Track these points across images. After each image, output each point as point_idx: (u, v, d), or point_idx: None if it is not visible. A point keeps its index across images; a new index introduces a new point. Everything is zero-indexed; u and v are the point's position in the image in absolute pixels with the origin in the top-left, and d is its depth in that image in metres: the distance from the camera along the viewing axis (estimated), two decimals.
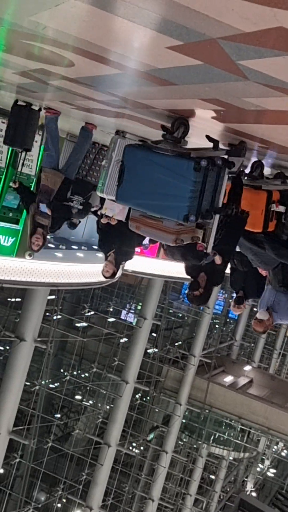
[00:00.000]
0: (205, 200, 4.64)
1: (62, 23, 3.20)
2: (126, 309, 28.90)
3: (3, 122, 9.20)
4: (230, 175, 5.49)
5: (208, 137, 5.07)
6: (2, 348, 23.18)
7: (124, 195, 4.83)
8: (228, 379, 29.87)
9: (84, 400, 28.29)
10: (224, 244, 5.19)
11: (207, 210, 4.68)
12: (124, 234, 6.69)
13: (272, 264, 5.97)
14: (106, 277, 6.98)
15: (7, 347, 19.42)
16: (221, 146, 5.06)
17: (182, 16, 2.45)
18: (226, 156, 4.93)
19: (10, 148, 9.50)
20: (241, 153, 5.29)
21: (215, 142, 5.01)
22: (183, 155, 4.56)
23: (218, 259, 5.28)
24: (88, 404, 28.40)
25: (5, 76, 5.96)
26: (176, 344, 30.16)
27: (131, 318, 27.57)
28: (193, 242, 4.93)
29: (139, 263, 15.86)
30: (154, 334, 27.12)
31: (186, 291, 5.86)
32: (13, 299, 22.30)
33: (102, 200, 7.22)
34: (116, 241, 6.85)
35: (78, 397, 28.51)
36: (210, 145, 4.95)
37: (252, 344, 38.90)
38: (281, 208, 5.46)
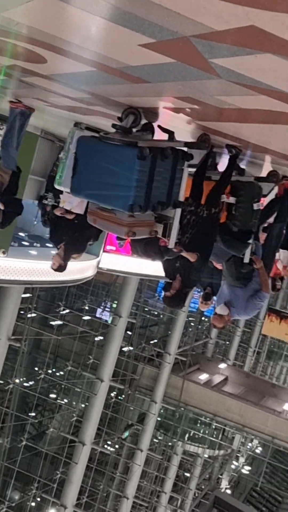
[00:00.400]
0: (156, 192, 4.56)
1: (35, 19, 3.18)
2: (101, 307, 28.80)
3: None
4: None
5: (160, 127, 5.08)
6: None
7: (76, 186, 4.82)
8: (203, 377, 29.97)
9: (59, 398, 28.17)
10: (197, 243, 5.11)
11: (159, 202, 4.61)
12: (77, 227, 6.64)
13: (224, 257, 5.91)
14: (54, 270, 6.73)
15: None
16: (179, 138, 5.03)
17: (155, 14, 2.44)
18: (185, 149, 4.86)
19: None
20: (202, 146, 5.19)
21: (169, 133, 4.99)
22: (130, 145, 4.48)
23: (191, 256, 5.15)
24: (63, 402, 28.29)
25: None
26: (152, 342, 30.18)
27: (106, 316, 27.50)
28: (151, 236, 4.89)
29: (115, 261, 15.84)
30: (129, 332, 27.11)
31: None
32: None
33: (57, 193, 7.16)
34: (68, 233, 6.71)
35: (52, 395, 28.39)
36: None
37: (227, 342, 39.09)
38: (232, 199, 5.39)
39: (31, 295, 19.66)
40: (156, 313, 32.35)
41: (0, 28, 3.51)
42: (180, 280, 5.39)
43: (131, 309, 24.00)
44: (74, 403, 28.00)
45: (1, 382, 19.15)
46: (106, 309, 28.20)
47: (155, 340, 30.72)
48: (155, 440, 29.95)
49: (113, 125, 4.81)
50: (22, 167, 7.35)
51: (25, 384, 25.53)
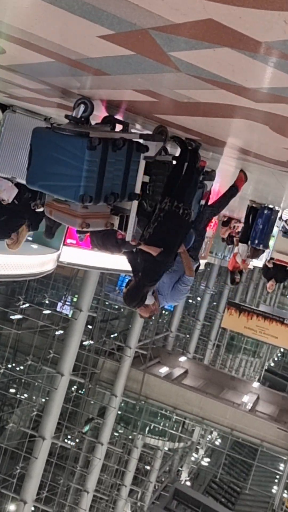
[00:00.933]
0: (108, 183, 4.56)
1: None
2: (62, 301, 28.71)
3: None
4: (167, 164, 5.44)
5: (114, 118, 5.08)
6: None
7: (31, 178, 4.81)
8: (164, 370, 30.16)
9: (19, 393, 28.00)
10: (158, 237, 5.06)
11: (112, 193, 4.61)
12: (6, 211, 6.57)
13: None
14: None
15: None
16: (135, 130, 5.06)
17: (113, 5, 2.43)
18: (141, 140, 4.86)
19: None
20: (158, 138, 5.15)
21: (124, 124, 5.00)
22: (81, 135, 4.48)
23: (154, 251, 5.06)
24: (23, 397, 28.12)
25: None
26: (112, 336, 30.22)
27: (67, 310, 27.39)
28: (107, 229, 4.86)
29: (75, 255, 15.76)
30: (90, 326, 27.08)
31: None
32: None
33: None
34: None
35: (12, 390, 28.20)
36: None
37: (187, 335, 39.39)
38: (145, 178, 5.37)
39: None
40: (116, 307, 32.38)
41: None
42: (139, 277, 5.24)
43: (92, 303, 23.97)
44: (34, 397, 27.86)
45: None
46: (67, 303, 28.11)
47: (116, 334, 30.78)
48: (115, 433, 30.07)
49: (66, 116, 4.79)
50: None
51: None
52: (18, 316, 24.74)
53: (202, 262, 26.88)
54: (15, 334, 24.61)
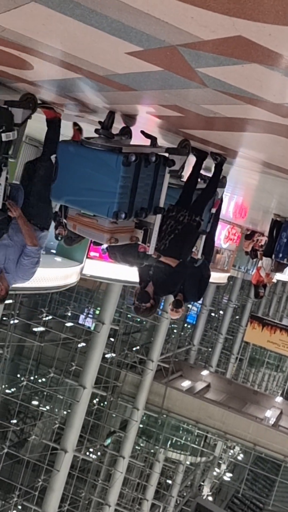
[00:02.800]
0: (139, 198, 4.55)
1: (22, 26, 3.18)
2: (84, 314, 28.77)
3: None
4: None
5: (143, 133, 5.04)
6: None
7: (57, 192, 4.76)
8: (186, 383, 30.01)
9: (41, 405, 28.04)
10: (173, 249, 5.05)
11: (142, 208, 4.59)
12: None
13: None
14: None
15: None
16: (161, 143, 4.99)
17: (143, 22, 2.46)
18: (166, 154, 4.84)
19: None
20: (182, 152, 5.14)
21: (152, 139, 4.96)
22: (114, 150, 4.44)
23: (172, 262, 5.07)
24: (45, 409, 28.16)
25: None
26: (134, 349, 30.17)
27: (89, 323, 27.44)
28: (132, 243, 4.83)
29: (98, 268, 15.82)
30: (112, 339, 27.07)
31: (133, 303, 5.45)
32: None
33: None
34: None
35: (35, 402, 28.25)
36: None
37: (210, 349, 39.20)
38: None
39: (13, 301, 19.58)
40: (139, 319, 32.33)
41: None
42: (152, 288, 5.27)
43: (114, 315, 23.97)
44: (56, 410, 27.87)
45: None
46: (89, 315, 28.17)
47: (138, 347, 30.71)
48: (137, 447, 29.91)
49: (96, 130, 4.76)
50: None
51: (7, 391, 25.38)
52: (41, 329, 24.83)
53: (225, 275, 26.84)
54: (38, 347, 24.69)
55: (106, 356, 26.51)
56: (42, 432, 28.21)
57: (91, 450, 28.26)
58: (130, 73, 3.40)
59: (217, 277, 26.56)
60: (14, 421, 25.66)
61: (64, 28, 2.91)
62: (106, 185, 4.40)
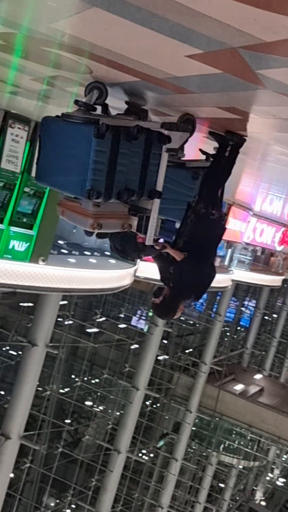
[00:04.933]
0: (121, 177, 4.03)
1: (82, 30, 3.23)
2: (138, 316, 28.87)
3: (19, 128, 9.24)
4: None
5: (132, 105, 4.58)
6: (14, 353, 23.24)
7: (40, 173, 4.37)
8: (239, 387, 29.74)
9: (95, 406, 28.26)
10: (189, 245, 4.57)
11: (127, 189, 4.08)
12: None
13: None
14: None
15: (19, 352, 19.46)
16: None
17: (204, 25, 2.47)
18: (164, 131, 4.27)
19: (26, 153, 9.54)
20: (182, 127, 4.48)
21: (142, 111, 4.46)
22: (89, 122, 3.96)
23: (178, 255, 4.52)
24: (99, 410, 28.36)
25: (22, 82, 6.01)
26: (187, 351, 30.08)
27: (142, 325, 27.53)
28: (123, 231, 4.36)
29: (151, 270, 15.84)
30: (165, 341, 27.06)
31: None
32: (25, 304, 22.35)
33: None
34: None
35: (88, 403, 28.49)
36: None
37: (263, 352, 38.74)
38: None
39: (68, 302, 19.79)
40: (192, 322, 32.25)
41: (46, 38, 3.57)
42: (171, 288, 4.71)
43: None
44: (109, 410, 28.05)
45: (39, 389, 19.26)
46: (142, 317, 28.24)
47: (191, 350, 30.62)
48: (189, 449, 29.80)
49: (75, 101, 4.25)
50: None
51: (61, 391, 25.68)
52: (95, 330, 25.03)
53: (279, 278, 26.52)
54: (92, 348, 24.90)
55: (159, 358, 26.52)
56: (96, 433, 28.42)
57: (144, 451, 28.30)
58: (190, 75, 3.41)
59: (271, 280, 26.28)
60: (68, 421, 25.93)
61: (125, 32, 2.94)
62: (79, 161, 3.96)
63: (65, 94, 5.82)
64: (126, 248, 4.89)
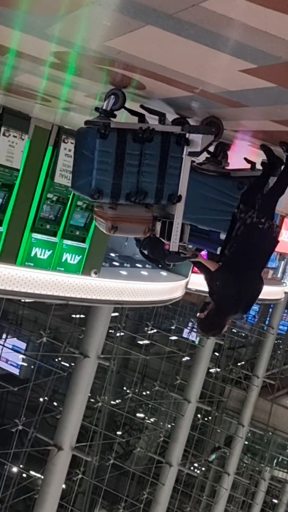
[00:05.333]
0: (131, 178, 4.07)
1: (136, 48, 3.26)
2: (189, 328, 28.74)
3: (72, 143, 9.38)
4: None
5: (143, 107, 4.52)
6: (66, 364, 23.44)
7: (72, 181, 4.48)
8: None
9: (146, 418, 28.22)
10: (241, 259, 4.36)
11: (140, 191, 4.11)
12: None
13: None
14: None
15: (71, 364, 19.62)
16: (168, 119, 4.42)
17: (259, 40, 2.46)
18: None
19: None
20: (205, 130, 4.34)
21: (159, 115, 4.39)
22: (99, 125, 4.11)
23: (211, 265, 4.41)
24: (150, 422, 28.30)
25: (75, 99, 6.09)
26: (239, 364, 29.78)
27: (194, 337, 27.40)
28: (146, 236, 4.35)
29: (203, 282, 15.78)
30: (216, 354, 26.87)
31: None
32: (77, 316, 22.56)
33: None
34: None
35: (140, 415, 28.48)
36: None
37: None
38: None
39: (119, 314, 19.87)
40: (244, 334, 31.93)
41: (100, 56, 3.62)
42: (214, 304, 4.47)
43: None
44: (161, 423, 27.97)
45: (91, 400, 19.38)
46: (194, 329, 28.10)
47: (243, 362, 30.30)
48: (242, 464, 29.43)
49: (96, 108, 4.38)
50: None
51: (113, 402, 25.75)
52: (146, 342, 25.05)
53: None
54: (143, 359, 24.91)
55: (211, 370, 26.34)
56: (147, 445, 28.37)
57: (195, 465, 28.08)
58: (243, 90, 3.40)
59: None
60: (120, 432, 25.97)
61: (178, 49, 2.95)
62: (88, 163, 4.11)
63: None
64: (154, 254, 4.80)
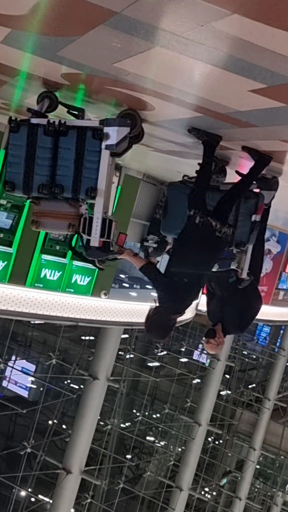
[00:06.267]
0: (44, 171, 4.10)
1: (146, 69, 3.27)
2: (199, 350, 28.57)
3: None
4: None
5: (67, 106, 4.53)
6: (75, 387, 23.33)
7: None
8: None
9: (156, 441, 27.95)
10: (181, 253, 4.46)
11: (55, 184, 4.11)
12: None
13: None
14: None
15: (81, 386, 19.53)
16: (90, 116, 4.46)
17: (268, 60, 2.46)
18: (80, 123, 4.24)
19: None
20: (119, 122, 4.26)
21: (78, 110, 4.42)
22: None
23: (136, 261, 4.50)
24: (160, 445, 28.03)
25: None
26: (250, 386, 29.53)
27: (204, 359, 27.23)
28: (65, 232, 4.36)
29: None
30: (227, 376, 26.67)
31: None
32: (86, 337, 22.50)
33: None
34: None
35: (149, 438, 28.23)
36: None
37: None
38: None
39: (129, 336, 19.80)
40: (254, 356, 31.70)
41: (110, 78, 3.64)
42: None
43: (229, 352, 23.65)
44: (171, 446, 27.70)
45: (100, 423, 19.23)
46: (204, 351, 27.92)
47: (254, 385, 30.05)
48: (254, 488, 29.04)
49: (28, 109, 4.43)
50: (124, 210, 7.43)
51: (122, 425, 25.55)
52: (156, 364, 24.91)
53: None
54: (153, 382, 24.77)
55: (222, 393, 26.12)
56: (157, 469, 28.07)
57: (206, 489, 27.73)
58: (252, 110, 3.39)
59: None
60: (129, 456, 25.72)
61: (188, 69, 2.96)
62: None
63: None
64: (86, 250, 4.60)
